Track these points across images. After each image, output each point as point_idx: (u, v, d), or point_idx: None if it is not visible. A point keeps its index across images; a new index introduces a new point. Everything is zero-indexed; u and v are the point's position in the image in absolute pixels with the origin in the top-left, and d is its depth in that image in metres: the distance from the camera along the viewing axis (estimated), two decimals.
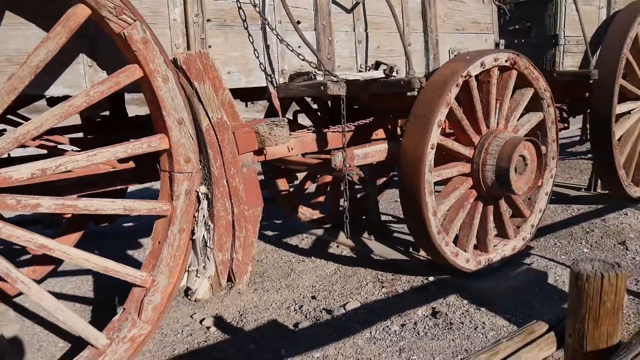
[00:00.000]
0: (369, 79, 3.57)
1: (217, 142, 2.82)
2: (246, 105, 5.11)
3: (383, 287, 4.28)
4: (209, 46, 3.21)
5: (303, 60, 3.29)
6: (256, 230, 3.00)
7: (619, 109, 5.51)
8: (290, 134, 4.18)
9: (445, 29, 4.25)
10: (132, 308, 2.83)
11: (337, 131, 4.26)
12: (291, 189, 5.39)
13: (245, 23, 3.29)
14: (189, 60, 2.74)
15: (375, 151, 3.82)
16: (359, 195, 5.65)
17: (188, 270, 2.89)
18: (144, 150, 2.74)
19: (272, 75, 3.42)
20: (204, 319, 4.03)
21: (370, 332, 3.69)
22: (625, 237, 5.29)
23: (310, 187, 5.73)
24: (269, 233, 5.81)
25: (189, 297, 2.86)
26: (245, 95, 4.49)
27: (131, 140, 2.76)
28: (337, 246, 5.20)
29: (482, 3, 4.47)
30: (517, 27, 5.57)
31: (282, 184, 5.20)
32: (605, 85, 5.23)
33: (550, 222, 5.87)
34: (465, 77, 3.76)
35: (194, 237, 2.85)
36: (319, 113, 5.37)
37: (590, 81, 5.20)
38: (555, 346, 1.61)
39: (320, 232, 5.49)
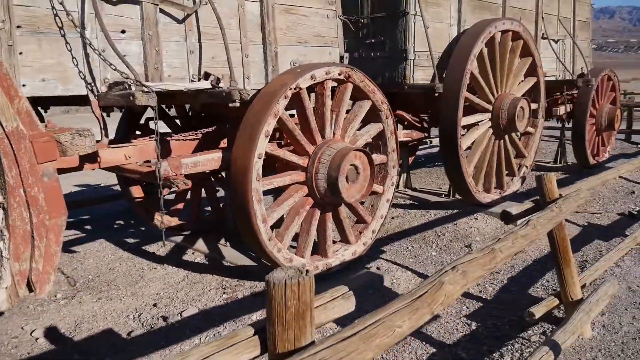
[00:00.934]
0: (196, 90, 3.63)
1: (12, 151, 2.78)
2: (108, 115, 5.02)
3: (225, 293, 4.35)
4: (20, 53, 3.15)
5: (115, 70, 3.30)
6: (59, 240, 2.97)
7: (466, 120, 5.89)
8: (132, 142, 4.18)
9: (286, 41, 4.39)
10: None
11: (181, 139, 4.31)
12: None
13: (62, 31, 3.26)
14: None
15: (207, 160, 3.89)
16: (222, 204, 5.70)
17: None
18: None
19: (93, 84, 3.41)
20: (35, 330, 3.94)
21: (200, 338, 3.75)
22: (472, 240, 5.67)
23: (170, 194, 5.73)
24: (130, 240, 5.75)
25: None
26: None
27: None
28: (192, 253, 5.22)
29: (326, 18, 4.65)
30: (373, 40, 5.83)
31: (137, 192, 5.15)
32: (451, 98, 5.58)
33: (408, 226, 6.18)
34: (295, 89, 3.90)
35: None
36: (177, 121, 5.37)
37: (436, 94, 5.54)
38: (259, 350, 1.72)
39: (180, 239, 5.49)
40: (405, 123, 6.54)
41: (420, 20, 5.53)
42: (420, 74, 5.69)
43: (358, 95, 4.51)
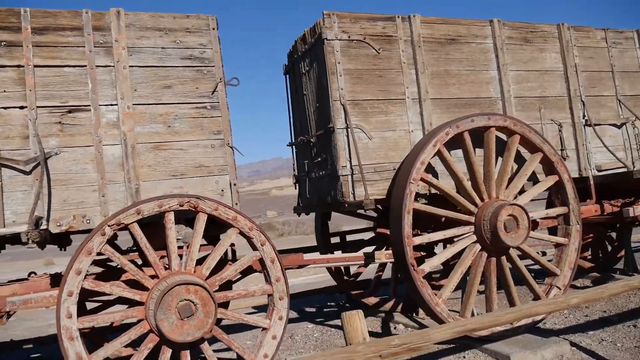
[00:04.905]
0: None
1: None
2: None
3: None
4: None
5: None
6: None
7: (430, 237, 5.02)
8: (29, 277, 4.61)
9: (155, 176, 4.45)
10: None
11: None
12: None
13: None
14: None
15: (41, 297, 4.08)
16: None
17: None
18: None
19: None
20: None
21: None
22: None
23: None
24: None
25: None
26: None
27: None
28: None
29: (211, 147, 4.62)
30: (319, 159, 5.50)
31: None
32: (394, 213, 4.86)
33: None
34: (117, 225, 3.92)
35: None
36: None
37: (365, 211, 4.89)
38: None
39: None
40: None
41: (360, 133, 5.08)
42: (370, 189, 5.09)
43: (224, 224, 4.29)
